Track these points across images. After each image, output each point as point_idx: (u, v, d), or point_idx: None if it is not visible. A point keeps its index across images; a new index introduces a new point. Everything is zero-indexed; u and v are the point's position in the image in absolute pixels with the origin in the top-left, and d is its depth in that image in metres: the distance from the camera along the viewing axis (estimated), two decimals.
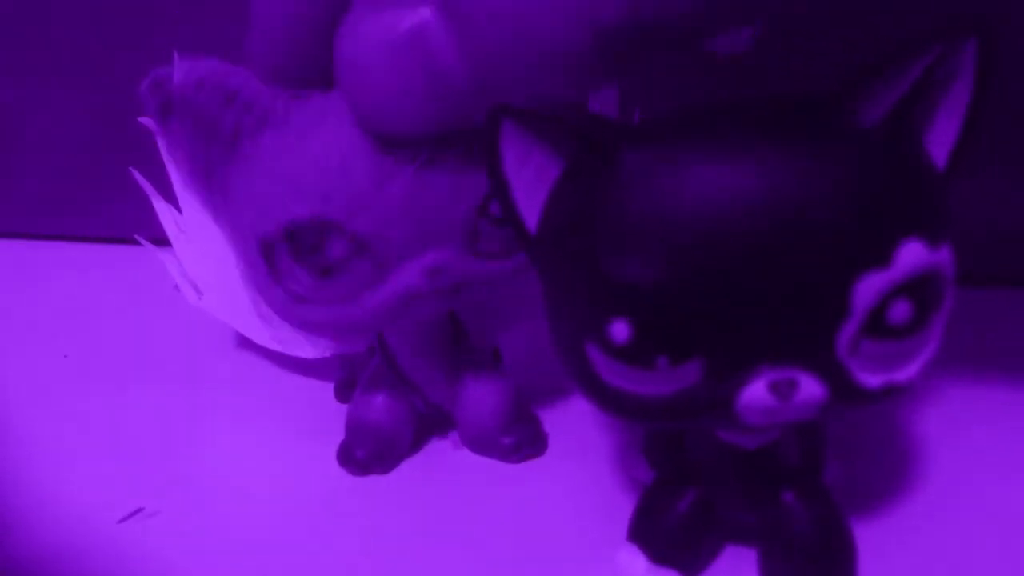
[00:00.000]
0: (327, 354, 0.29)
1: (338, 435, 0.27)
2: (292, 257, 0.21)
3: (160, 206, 0.30)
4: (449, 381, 0.26)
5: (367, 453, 0.26)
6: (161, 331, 0.34)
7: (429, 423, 0.27)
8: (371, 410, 0.26)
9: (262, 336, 0.30)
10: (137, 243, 0.32)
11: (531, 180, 0.18)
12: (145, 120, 0.28)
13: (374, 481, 0.26)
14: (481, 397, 0.26)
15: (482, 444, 0.26)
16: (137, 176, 0.30)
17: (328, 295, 0.22)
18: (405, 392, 0.26)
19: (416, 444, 0.27)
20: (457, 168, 0.21)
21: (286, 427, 0.29)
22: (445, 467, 0.26)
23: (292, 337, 0.30)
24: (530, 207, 0.19)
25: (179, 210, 0.30)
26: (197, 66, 0.22)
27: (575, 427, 0.27)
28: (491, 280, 0.22)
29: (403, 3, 0.18)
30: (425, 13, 0.18)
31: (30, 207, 0.42)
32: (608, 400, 0.18)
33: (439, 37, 0.18)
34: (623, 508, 0.23)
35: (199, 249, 0.30)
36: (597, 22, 0.16)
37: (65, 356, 0.33)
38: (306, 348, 0.30)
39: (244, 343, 0.32)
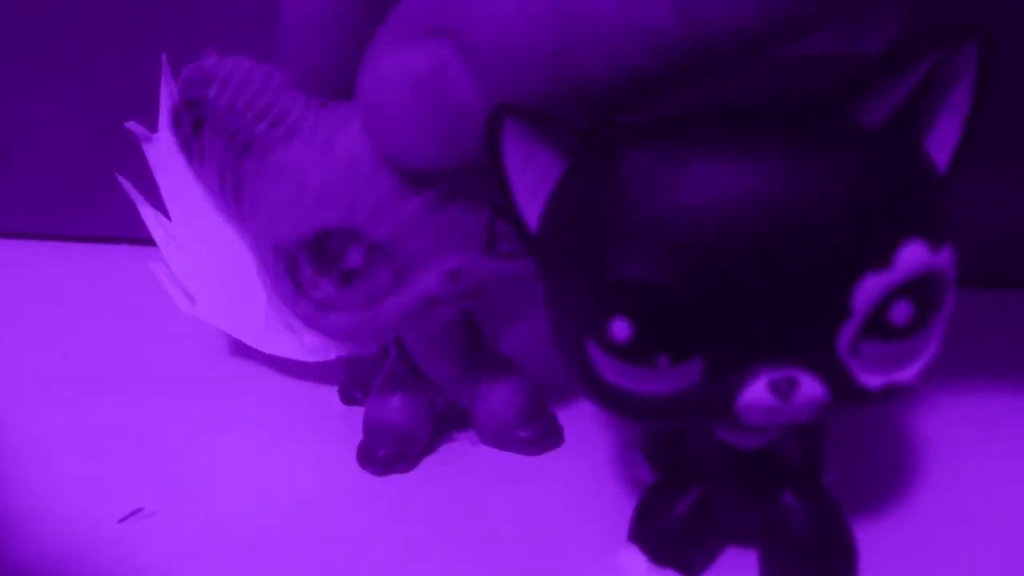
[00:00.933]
0: (328, 357, 0.29)
1: (342, 436, 0.27)
2: (314, 266, 0.22)
3: (147, 212, 0.30)
4: (467, 378, 0.26)
5: (388, 452, 0.26)
6: (161, 332, 0.34)
7: (444, 420, 0.27)
8: (389, 409, 0.26)
9: (260, 341, 0.30)
10: (136, 243, 0.32)
11: (533, 178, 0.18)
12: (132, 125, 0.28)
13: (377, 481, 0.26)
14: (499, 393, 0.26)
15: (500, 439, 0.26)
16: (123, 182, 0.30)
17: (350, 302, 0.22)
18: (422, 390, 0.26)
19: (434, 441, 0.27)
20: (475, 176, 0.21)
21: (288, 428, 0.29)
22: (455, 464, 0.26)
23: (289, 342, 0.30)
24: (532, 205, 0.19)
25: (167, 216, 0.30)
26: (232, 73, 0.22)
27: (580, 426, 0.27)
28: (509, 279, 0.22)
29: (419, 42, 0.18)
30: (442, 52, 0.18)
31: (26, 207, 0.42)
32: (608, 398, 0.18)
33: (456, 75, 0.18)
34: (623, 508, 0.23)
35: (192, 256, 0.30)
36: (622, 64, 0.16)
37: (64, 355, 0.33)
38: (304, 352, 0.30)
39: (246, 345, 0.32)
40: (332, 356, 0.29)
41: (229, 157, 0.22)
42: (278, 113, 0.22)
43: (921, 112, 0.17)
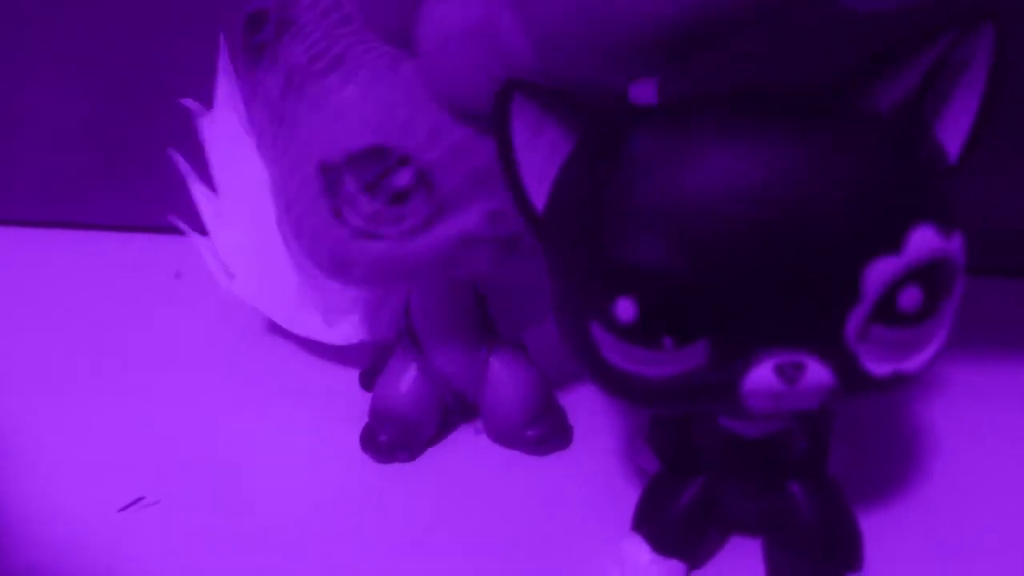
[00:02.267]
0: (354, 340, 0.29)
1: (359, 423, 0.27)
2: (358, 182, 0.21)
3: (196, 188, 0.31)
4: (474, 370, 0.26)
5: (390, 438, 0.26)
6: (171, 319, 0.34)
7: (455, 412, 0.27)
8: (396, 396, 0.26)
9: (290, 321, 0.30)
10: (137, 231, 0.32)
11: (540, 156, 0.18)
12: (188, 102, 0.28)
13: (392, 469, 0.26)
14: (507, 389, 0.26)
15: (507, 437, 0.26)
16: (176, 158, 0.30)
17: (388, 229, 0.22)
18: (431, 380, 0.26)
19: (441, 432, 0.27)
20: None
21: (307, 413, 0.28)
22: (462, 456, 0.26)
23: (317, 322, 0.30)
24: (539, 184, 0.19)
25: (216, 193, 0.30)
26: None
27: (585, 415, 0.27)
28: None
29: None
30: (492, 1, 0.19)
31: (29, 195, 0.42)
32: (612, 382, 0.18)
33: (506, 22, 0.19)
34: (628, 498, 0.22)
35: (235, 233, 0.30)
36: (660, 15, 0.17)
37: (65, 343, 0.33)
38: (333, 334, 0.29)
39: (262, 332, 0.32)
40: (356, 340, 0.29)
41: (279, 82, 0.22)
42: (349, 40, 0.22)
43: (933, 98, 0.17)
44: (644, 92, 0.23)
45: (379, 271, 0.22)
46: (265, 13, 0.23)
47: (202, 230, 0.31)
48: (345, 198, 0.22)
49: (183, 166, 0.30)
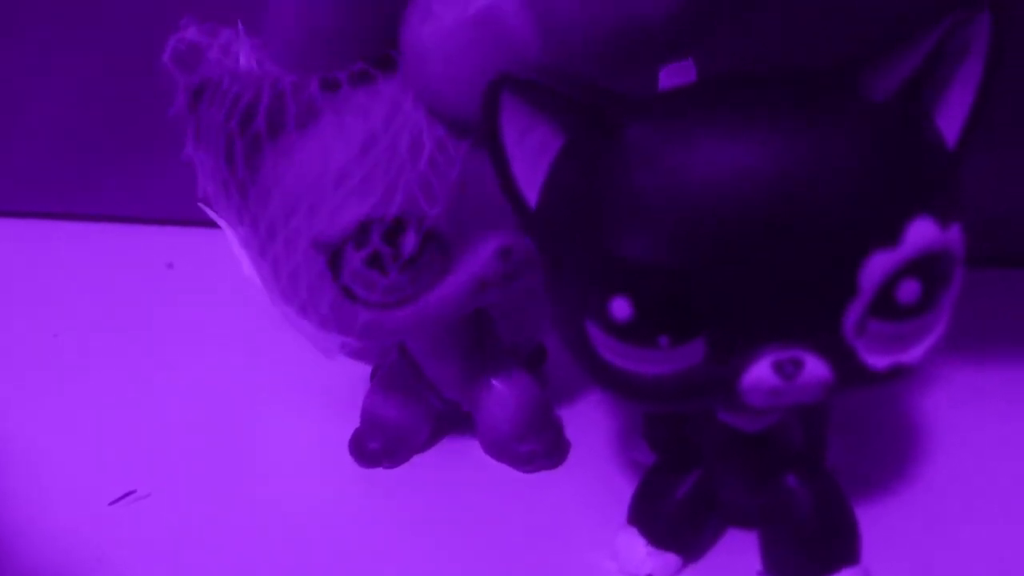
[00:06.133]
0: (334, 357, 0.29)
1: (355, 421, 0.26)
2: (363, 259, 0.20)
3: None
4: (467, 381, 0.25)
5: (378, 447, 0.26)
6: (162, 310, 0.34)
7: (449, 420, 0.27)
8: (386, 404, 0.26)
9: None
10: (130, 222, 0.31)
11: (532, 153, 0.18)
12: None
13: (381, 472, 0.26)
14: (500, 401, 0.25)
15: (498, 450, 0.26)
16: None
17: (404, 294, 0.20)
18: (421, 389, 0.25)
19: (433, 440, 0.27)
20: None
21: (302, 409, 0.28)
22: (457, 451, 0.26)
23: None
24: (530, 181, 0.18)
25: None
26: (230, 42, 0.20)
27: (579, 409, 0.27)
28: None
29: None
30: None
31: (25, 185, 0.42)
32: (609, 380, 0.18)
33: (513, 11, 0.18)
34: (623, 491, 0.22)
35: None
36: None
37: (55, 336, 0.33)
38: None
39: (255, 325, 0.31)
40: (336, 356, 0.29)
41: (233, 131, 0.20)
42: (288, 94, 0.19)
43: (931, 85, 0.17)
44: (678, 73, 0.23)
45: (398, 332, 0.21)
46: (175, 85, 0.20)
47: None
48: (353, 276, 0.20)
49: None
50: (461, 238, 0.20)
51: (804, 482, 0.20)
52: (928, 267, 0.16)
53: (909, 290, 0.16)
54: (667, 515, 0.21)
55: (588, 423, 0.26)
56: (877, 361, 0.17)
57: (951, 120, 0.17)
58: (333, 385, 0.29)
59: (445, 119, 0.20)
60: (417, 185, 0.19)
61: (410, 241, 0.20)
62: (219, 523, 0.24)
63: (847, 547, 0.21)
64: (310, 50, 0.20)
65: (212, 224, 0.31)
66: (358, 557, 0.23)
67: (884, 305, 0.16)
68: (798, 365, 0.16)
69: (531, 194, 0.18)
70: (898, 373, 0.17)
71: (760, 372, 0.16)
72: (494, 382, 0.25)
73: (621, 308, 0.16)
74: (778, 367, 0.16)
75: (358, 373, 0.29)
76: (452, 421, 0.27)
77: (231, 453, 0.26)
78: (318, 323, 0.21)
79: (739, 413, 0.20)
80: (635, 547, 0.22)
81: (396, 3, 0.19)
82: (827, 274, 0.16)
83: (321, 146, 0.19)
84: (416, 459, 0.26)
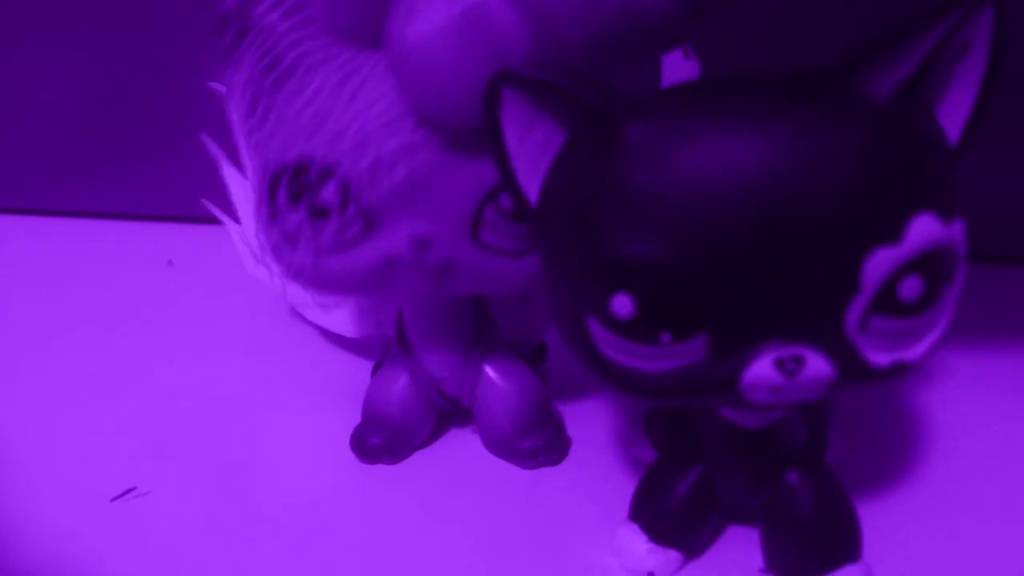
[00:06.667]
0: (363, 334, 0.29)
1: (357, 417, 0.26)
2: (288, 195, 0.21)
3: (228, 171, 0.30)
4: (467, 377, 0.25)
5: (378, 443, 0.26)
6: (163, 307, 0.34)
7: (450, 416, 0.27)
8: (387, 401, 0.26)
9: (306, 307, 0.30)
10: (130, 219, 0.31)
11: (533, 150, 0.18)
12: (215, 86, 0.28)
13: (381, 469, 0.26)
14: (501, 397, 0.25)
15: (499, 446, 0.26)
16: (207, 141, 0.30)
17: (313, 242, 0.21)
18: (422, 385, 0.25)
19: (434, 436, 0.27)
20: (476, 147, 0.20)
21: (303, 405, 0.28)
22: (458, 447, 0.26)
23: (335, 313, 0.29)
24: (532, 178, 0.18)
25: (246, 176, 0.30)
26: None
27: (580, 406, 0.27)
28: (489, 277, 0.21)
29: None
30: None
31: (26, 182, 0.42)
32: (611, 377, 0.18)
33: (500, 8, 0.18)
34: (624, 487, 0.22)
35: None
36: None
37: (55, 332, 0.33)
38: (349, 327, 0.29)
39: (255, 321, 0.31)
40: (365, 334, 0.29)
41: (257, 73, 0.22)
42: (307, 46, 0.21)
43: (932, 81, 0.17)
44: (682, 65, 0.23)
45: (308, 280, 0.22)
46: (227, 16, 0.22)
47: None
48: (277, 206, 0.21)
49: (214, 150, 0.30)
50: (387, 209, 0.21)
51: (805, 479, 0.20)
52: (930, 264, 0.16)
53: (911, 287, 0.16)
54: (668, 512, 0.21)
55: (589, 420, 0.26)
56: (879, 358, 0.17)
57: (953, 116, 0.17)
58: (334, 381, 0.29)
59: (429, 117, 0.20)
60: (349, 140, 0.20)
61: (327, 192, 0.21)
62: (220, 519, 0.24)
63: (849, 544, 0.21)
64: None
65: (212, 221, 0.32)
66: (359, 553, 0.23)
67: (886, 302, 0.16)
68: (799, 362, 0.16)
69: (532, 191, 0.18)
70: (900, 370, 0.17)
71: (762, 369, 0.16)
72: (495, 378, 0.25)
73: (623, 305, 0.16)
74: (779, 364, 0.16)
75: (359, 369, 0.29)
76: (453, 417, 0.27)
77: (232, 450, 0.26)
78: (271, 254, 0.23)
79: (740, 410, 0.20)
80: (636, 543, 0.21)
81: None
82: (829, 271, 0.16)
83: (290, 96, 0.21)
84: (417, 455, 0.26)
